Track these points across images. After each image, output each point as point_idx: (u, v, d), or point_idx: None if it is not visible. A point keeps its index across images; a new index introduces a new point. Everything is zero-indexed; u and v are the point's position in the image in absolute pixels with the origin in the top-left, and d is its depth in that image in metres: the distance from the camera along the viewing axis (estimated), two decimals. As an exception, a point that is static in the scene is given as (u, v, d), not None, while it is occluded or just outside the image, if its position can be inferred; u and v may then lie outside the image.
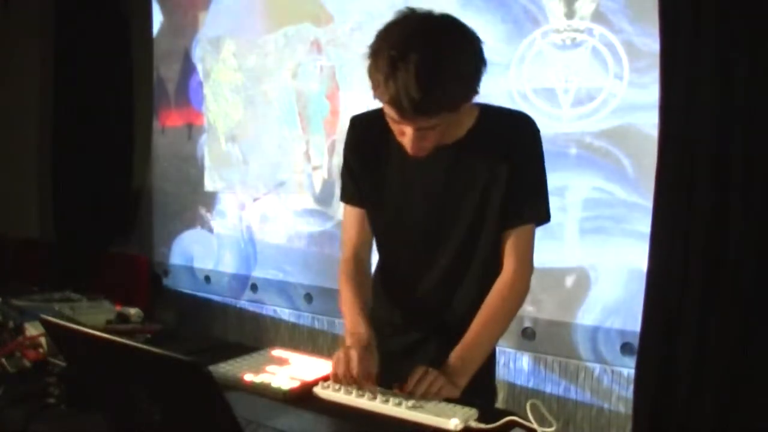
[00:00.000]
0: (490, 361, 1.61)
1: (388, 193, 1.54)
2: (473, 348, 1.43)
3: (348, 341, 1.43)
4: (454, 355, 1.40)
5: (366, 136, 1.54)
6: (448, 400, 1.30)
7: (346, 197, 1.61)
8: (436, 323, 1.57)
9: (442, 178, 1.48)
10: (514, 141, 1.47)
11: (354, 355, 1.34)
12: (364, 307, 1.51)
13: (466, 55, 1.29)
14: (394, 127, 1.36)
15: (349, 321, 1.49)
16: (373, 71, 1.27)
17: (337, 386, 1.34)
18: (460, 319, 1.52)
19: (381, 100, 1.29)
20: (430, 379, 1.32)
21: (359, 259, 1.60)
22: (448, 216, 1.50)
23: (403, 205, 1.53)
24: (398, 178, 1.52)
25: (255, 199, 3.55)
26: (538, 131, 1.49)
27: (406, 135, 1.34)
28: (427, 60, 1.22)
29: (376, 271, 1.67)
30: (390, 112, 1.31)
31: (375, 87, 1.28)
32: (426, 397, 1.30)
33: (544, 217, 1.51)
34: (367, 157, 1.55)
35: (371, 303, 1.57)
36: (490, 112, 1.51)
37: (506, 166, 1.45)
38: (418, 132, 1.32)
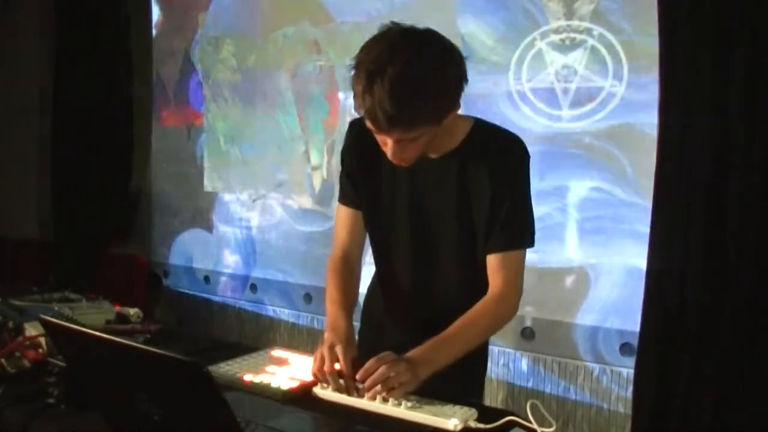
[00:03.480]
0: (482, 363, 1.62)
1: (383, 198, 1.55)
2: (443, 345, 1.40)
3: (327, 336, 1.43)
4: (423, 346, 1.39)
5: (363, 141, 1.54)
6: (447, 400, 1.30)
7: (343, 198, 1.63)
8: (425, 329, 1.56)
9: (431, 188, 1.50)
10: (504, 163, 1.47)
11: (339, 350, 1.35)
12: (346, 304, 1.52)
13: (444, 69, 1.30)
14: (377, 137, 1.38)
15: (330, 317, 1.50)
16: (354, 84, 1.30)
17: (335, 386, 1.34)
18: (448, 324, 1.51)
19: (359, 111, 1.32)
20: (396, 368, 1.29)
21: (347, 258, 1.61)
22: (436, 226, 1.52)
23: (394, 212, 1.55)
24: (390, 185, 1.54)
25: (255, 199, 3.55)
26: (528, 156, 1.49)
27: (387, 145, 1.36)
28: (402, 75, 1.24)
29: (374, 275, 1.69)
30: (368, 124, 1.33)
31: (355, 98, 1.31)
32: (380, 385, 1.28)
33: (529, 242, 1.51)
34: (363, 161, 1.56)
35: (356, 299, 1.59)
36: (482, 127, 1.51)
37: (492, 186, 1.45)
38: (398, 144, 1.34)
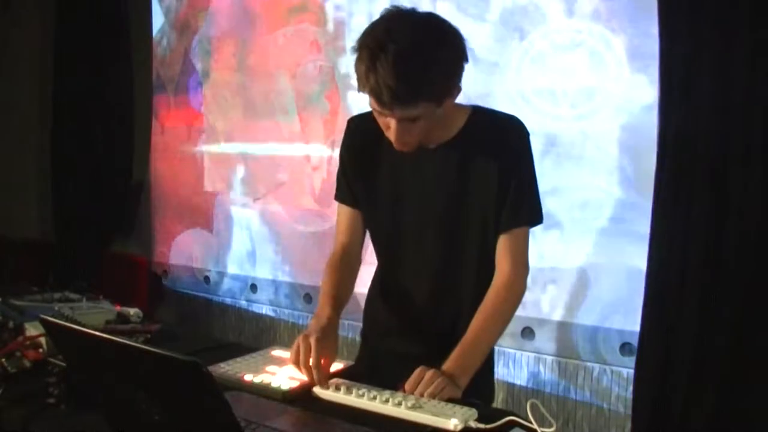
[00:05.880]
0: (489, 359, 1.62)
1: (382, 194, 1.56)
2: (472, 348, 1.44)
3: (310, 323, 1.47)
4: (454, 356, 1.41)
5: (361, 137, 1.56)
6: (449, 400, 1.30)
7: (339, 196, 1.64)
8: (431, 325, 1.58)
9: (433, 179, 1.50)
10: (506, 144, 1.48)
11: (312, 342, 1.37)
12: (335, 294, 1.55)
13: (445, 48, 1.33)
14: (380, 121, 1.39)
15: (318, 306, 1.54)
16: (357, 65, 1.33)
17: (335, 386, 1.35)
18: (453, 322, 1.53)
19: (363, 91, 1.33)
20: (431, 379, 1.33)
21: (345, 255, 1.63)
22: (439, 217, 1.52)
23: (395, 207, 1.55)
24: (390, 180, 1.54)
25: (255, 199, 3.55)
26: (528, 134, 1.51)
27: (390, 128, 1.37)
28: (405, 51, 1.27)
29: (375, 273, 1.69)
30: (373, 104, 1.35)
31: (358, 79, 1.33)
32: (427, 397, 1.31)
33: (537, 218, 1.52)
34: (361, 158, 1.57)
35: (349, 294, 1.61)
36: (480, 113, 1.53)
37: (498, 169, 1.46)
38: (400, 124, 1.35)
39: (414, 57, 1.27)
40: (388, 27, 1.31)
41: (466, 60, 1.36)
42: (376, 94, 1.30)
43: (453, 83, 1.36)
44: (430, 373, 1.34)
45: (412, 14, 1.35)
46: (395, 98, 1.29)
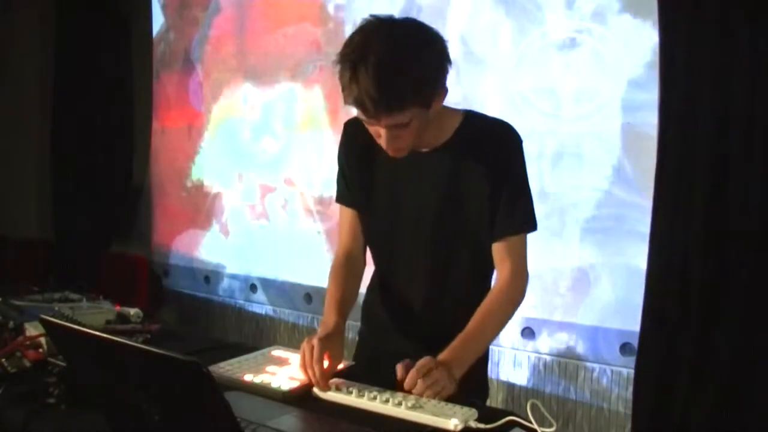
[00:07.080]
0: (484, 359, 1.63)
1: (377, 197, 1.57)
2: (469, 343, 1.44)
3: (318, 331, 1.48)
4: (451, 347, 1.41)
5: (357, 140, 1.56)
6: (449, 399, 1.30)
7: (339, 198, 1.65)
8: (428, 326, 1.58)
9: (427, 183, 1.52)
10: (498, 149, 1.49)
11: (315, 343, 1.38)
12: (340, 300, 1.55)
13: (425, 52, 1.33)
14: (371, 130, 1.40)
15: (324, 313, 1.55)
16: (340, 77, 1.33)
17: (335, 386, 1.35)
18: (447, 322, 1.53)
19: (348, 102, 1.34)
20: (425, 365, 1.33)
21: (349, 258, 1.63)
22: (433, 220, 1.53)
23: (391, 210, 1.56)
24: (386, 183, 1.55)
25: (255, 200, 3.55)
26: (520, 140, 1.51)
27: (381, 136, 1.38)
28: (384, 59, 1.28)
29: (372, 274, 1.69)
30: (360, 114, 1.36)
31: (343, 91, 1.34)
32: (427, 397, 1.31)
33: (530, 226, 1.53)
34: (357, 161, 1.58)
35: (354, 298, 1.61)
36: (473, 118, 1.54)
37: (490, 174, 1.47)
38: (390, 131, 1.36)
39: (394, 64, 1.28)
40: (367, 37, 1.32)
41: (449, 61, 1.37)
42: (359, 105, 1.31)
43: (437, 86, 1.37)
44: (426, 359, 1.34)
45: (390, 21, 1.36)
46: (379, 107, 1.30)
